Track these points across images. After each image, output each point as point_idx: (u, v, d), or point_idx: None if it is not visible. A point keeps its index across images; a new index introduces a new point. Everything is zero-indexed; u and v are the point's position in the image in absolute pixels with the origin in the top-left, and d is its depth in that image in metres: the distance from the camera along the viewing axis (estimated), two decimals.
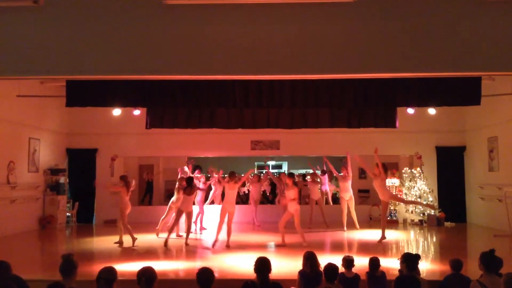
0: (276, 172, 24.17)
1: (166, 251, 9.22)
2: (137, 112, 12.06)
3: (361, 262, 6.27)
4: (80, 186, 14.30)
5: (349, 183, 12.09)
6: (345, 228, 11.94)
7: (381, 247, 9.75)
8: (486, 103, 9.52)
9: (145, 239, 10.76)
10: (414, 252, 5.35)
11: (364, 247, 9.74)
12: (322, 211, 12.92)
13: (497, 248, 4.99)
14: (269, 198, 18.64)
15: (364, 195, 16.86)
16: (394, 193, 10.20)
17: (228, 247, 9.38)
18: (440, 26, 6.40)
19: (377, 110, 10.90)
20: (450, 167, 13.99)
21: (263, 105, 9.48)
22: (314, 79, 8.52)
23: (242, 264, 7.30)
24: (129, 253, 9.01)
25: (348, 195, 12.03)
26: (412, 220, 13.73)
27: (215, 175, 12.27)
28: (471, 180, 13.82)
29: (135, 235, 9.83)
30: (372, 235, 11.40)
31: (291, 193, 9.52)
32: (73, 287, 4.34)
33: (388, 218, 13.92)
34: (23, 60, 6.57)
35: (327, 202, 14.49)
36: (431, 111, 12.36)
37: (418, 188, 13.63)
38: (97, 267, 5.94)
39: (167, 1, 6.30)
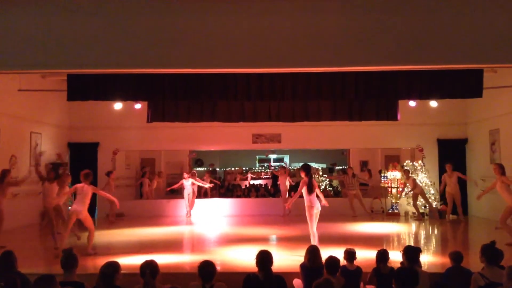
0: (281, 165, 24.19)
1: (168, 245, 9.23)
2: (138, 106, 12.08)
3: (364, 255, 6.29)
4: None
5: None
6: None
7: (384, 240, 9.78)
8: (488, 96, 9.49)
9: (145, 233, 10.82)
10: (415, 245, 5.36)
11: (366, 239, 9.76)
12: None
13: (499, 241, 5.01)
14: (271, 191, 18.65)
15: (363, 187, 16.86)
16: None
17: None
18: (442, 18, 6.37)
19: (379, 102, 10.88)
20: (452, 160, 13.96)
21: (264, 98, 9.47)
22: (316, 72, 8.50)
23: (245, 257, 7.32)
24: (131, 247, 9.04)
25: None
26: (414, 213, 13.72)
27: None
28: (472, 173, 13.79)
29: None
30: (374, 228, 11.44)
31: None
32: (75, 280, 4.37)
33: (390, 211, 13.98)
34: (24, 54, 6.56)
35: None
36: (433, 103, 12.33)
37: (419, 180, 13.62)
38: (99, 261, 5.97)
39: None
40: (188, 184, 13.76)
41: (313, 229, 7.71)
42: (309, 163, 8.41)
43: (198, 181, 14.26)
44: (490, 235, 9.17)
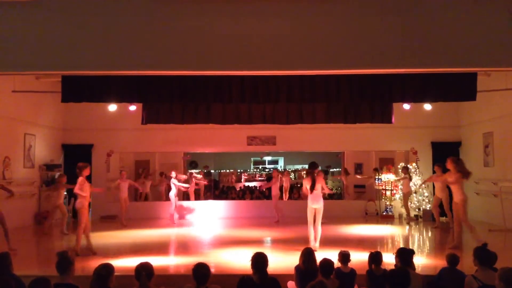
0: (271, 168, 24.21)
1: (162, 247, 9.22)
2: (132, 107, 12.06)
3: (358, 257, 6.30)
4: (76, 181, 14.25)
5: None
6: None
7: (378, 242, 9.81)
8: (481, 99, 9.55)
9: (140, 235, 10.80)
10: (409, 247, 5.38)
11: (361, 242, 9.79)
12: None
13: (492, 243, 5.04)
14: (266, 193, 18.65)
15: (360, 190, 16.93)
16: None
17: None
18: (436, 22, 6.41)
19: (373, 105, 10.91)
20: (441, 161, 14.04)
21: (259, 100, 9.46)
22: (310, 74, 8.52)
23: (239, 260, 7.32)
24: (126, 249, 9.02)
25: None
26: (408, 215, 13.77)
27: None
28: None
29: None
30: (368, 230, 11.46)
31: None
32: (69, 283, 4.36)
33: (384, 213, 14.02)
34: (18, 56, 6.54)
35: None
36: (427, 106, 12.39)
37: (413, 183, 13.68)
38: (93, 263, 5.95)
39: None
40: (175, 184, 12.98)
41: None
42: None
43: (179, 183, 13.29)
44: (483, 238, 9.22)
